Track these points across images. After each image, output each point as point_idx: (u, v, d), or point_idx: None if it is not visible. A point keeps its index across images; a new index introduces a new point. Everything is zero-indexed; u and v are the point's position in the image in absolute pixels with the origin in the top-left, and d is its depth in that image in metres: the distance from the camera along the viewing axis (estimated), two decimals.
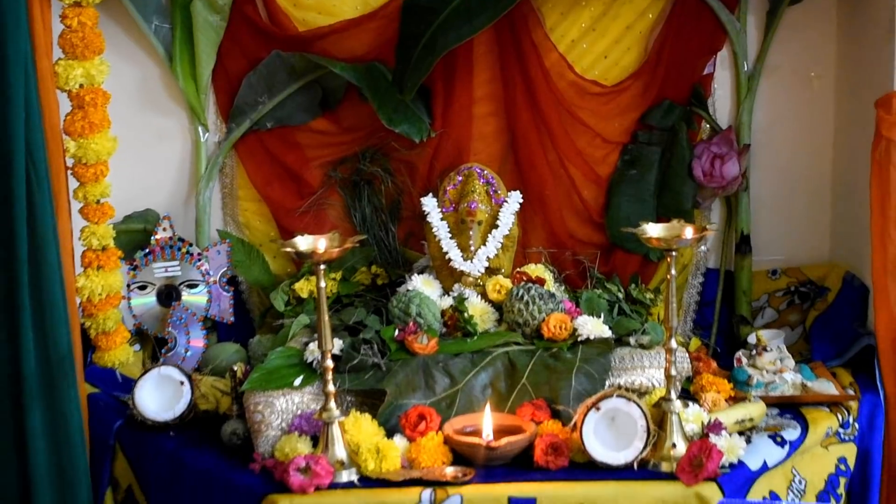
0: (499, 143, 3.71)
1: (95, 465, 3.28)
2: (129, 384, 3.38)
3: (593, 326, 3.29)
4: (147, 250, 3.66)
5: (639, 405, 2.99)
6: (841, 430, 3.30)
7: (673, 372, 3.01)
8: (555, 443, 3.01)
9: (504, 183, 3.55)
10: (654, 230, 3.03)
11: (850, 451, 3.31)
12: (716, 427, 3.04)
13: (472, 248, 3.45)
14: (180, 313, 3.62)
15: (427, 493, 2.92)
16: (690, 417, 3.10)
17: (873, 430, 3.35)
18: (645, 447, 2.98)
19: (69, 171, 3.34)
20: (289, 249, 2.99)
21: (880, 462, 3.35)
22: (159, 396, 3.31)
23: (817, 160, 3.80)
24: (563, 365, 3.20)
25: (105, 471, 3.31)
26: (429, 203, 3.50)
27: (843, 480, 3.29)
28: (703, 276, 3.81)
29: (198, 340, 3.64)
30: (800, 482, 3.20)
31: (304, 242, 3.01)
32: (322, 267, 2.95)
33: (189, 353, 3.61)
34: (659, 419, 3.02)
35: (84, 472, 3.22)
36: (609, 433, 3.02)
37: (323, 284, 2.95)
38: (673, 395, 3.01)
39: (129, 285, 3.63)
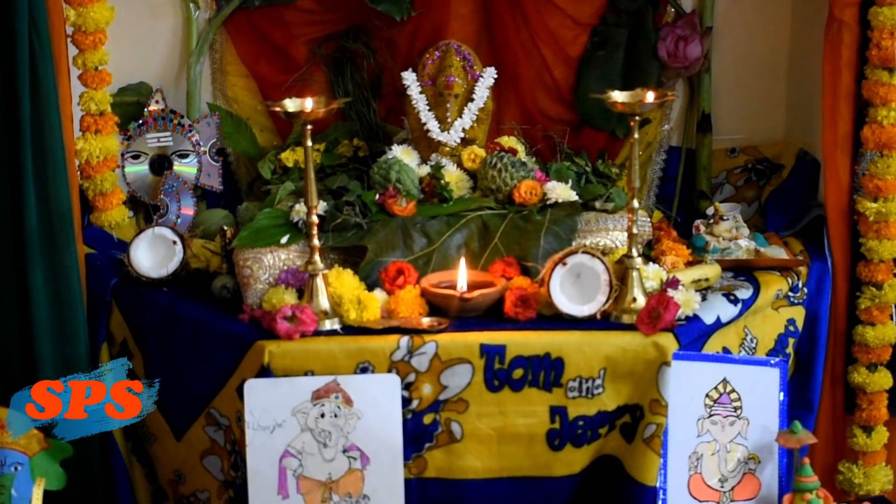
0: (475, 23, 3.81)
1: (92, 322, 3.43)
2: (124, 246, 3.52)
3: (561, 191, 3.45)
4: (140, 121, 3.78)
5: (602, 261, 3.16)
6: (791, 294, 3.47)
7: (635, 230, 3.17)
8: (524, 296, 3.18)
9: (480, 60, 3.69)
10: (619, 96, 3.19)
11: (798, 314, 3.49)
12: (673, 283, 3.22)
13: (449, 120, 3.59)
14: (172, 182, 3.76)
15: (405, 340, 3.09)
16: (650, 275, 3.26)
17: (821, 295, 3.52)
18: (607, 300, 3.16)
19: (69, 39, 3.45)
20: (277, 109, 3.13)
21: (827, 324, 3.53)
22: (153, 255, 3.45)
23: (775, 43, 3.92)
24: (532, 226, 3.36)
25: (101, 326, 3.46)
26: (409, 77, 3.63)
27: (791, 340, 3.47)
28: (665, 154, 3.94)
29: (188, 208, 3.79)
30: (751, 340, 3.38)
31: (292, 104, 3.16)
32: (308, 127, 3.09)
33: (180, 220, 3.75)
34: (621, 275, 3.19)
35: (83, 325, 3.37)
36: (574, 288, 3.19)
37: (310, 143, 3.09)
38: (634, 253, 3.18)
39: (123, 154, 3.75)
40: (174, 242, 3.45)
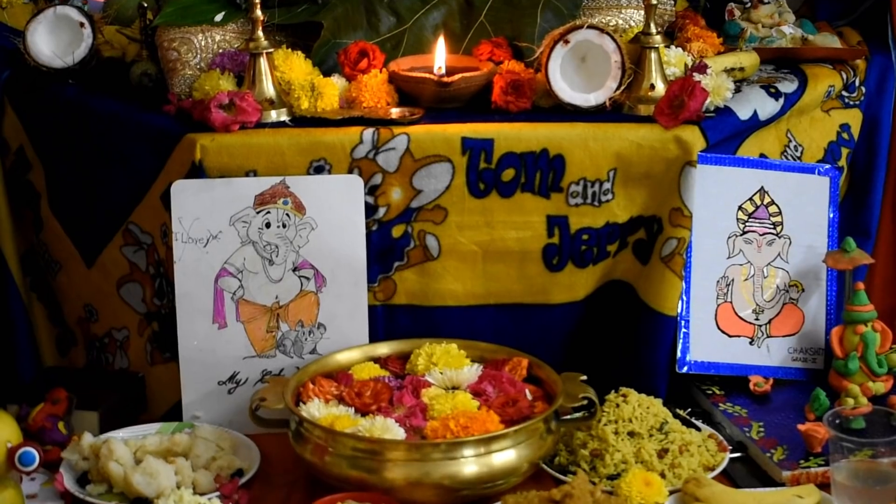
0: None
1: None
2: (18, 32, 3.56)
3: None
4: None
5: (613, 38, 3.23)
6: (845, 93, 3.56)
7: (653, 0, 3.25)
8: (516, 81, 3.26)
9: None
10: None
11: (854, 118, 3.58)
12: (701, 68, 3.28)
13: None
14: None
15: (369, 132, 3.15)
16: (672, 60, 3.35)
17: (882, 96, 3.61)
18: (619, 86, 3.24)
19: None
20: None
21: (889, 133, 3.62)
22: (55, 41, 3.49)
23: None
24: (527, 0, 3.45)
25: None
26: None
27: (845, 151, 3.56)
28: None
29: None
30: (795, 148, 3.46)
31: None
32: None
33: (88, 6, 3.81)
34: (636, 57, 3.27)
35: None
36: (578, 75, 3.27)
37: None
38: (653, 29, 3.26)
39: None
40: (81, 25, 3.50)
